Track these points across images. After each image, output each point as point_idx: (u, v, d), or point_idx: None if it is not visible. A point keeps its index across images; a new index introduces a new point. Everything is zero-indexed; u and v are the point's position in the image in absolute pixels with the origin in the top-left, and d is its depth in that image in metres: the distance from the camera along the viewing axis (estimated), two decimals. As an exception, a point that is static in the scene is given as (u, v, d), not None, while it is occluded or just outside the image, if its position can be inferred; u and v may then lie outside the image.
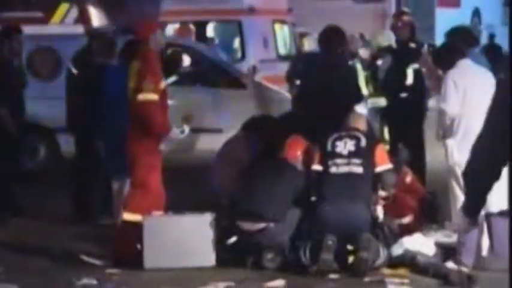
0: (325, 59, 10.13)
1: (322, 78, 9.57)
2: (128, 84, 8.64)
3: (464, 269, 7.43)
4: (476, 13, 27.47)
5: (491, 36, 22.85)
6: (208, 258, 8.40)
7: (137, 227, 8.50)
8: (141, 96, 8.47)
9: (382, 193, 8.63)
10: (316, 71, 10.16)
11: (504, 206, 7.99)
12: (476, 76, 8.32)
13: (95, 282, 8.00)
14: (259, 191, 8.42)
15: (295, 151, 8.70)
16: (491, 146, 4.64)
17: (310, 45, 13.38)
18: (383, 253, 8.28)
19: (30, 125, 11.49)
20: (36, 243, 9.31)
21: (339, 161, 8.42)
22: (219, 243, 8.50)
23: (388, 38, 11.80)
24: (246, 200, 8.45)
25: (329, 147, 8.47)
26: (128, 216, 8.60)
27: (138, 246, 8.47)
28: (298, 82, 12.04)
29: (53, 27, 14.85)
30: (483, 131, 4.63)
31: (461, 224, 5.24)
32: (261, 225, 8.34)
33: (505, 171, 7.78)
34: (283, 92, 12.96)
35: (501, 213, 8.09)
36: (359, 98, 9.83)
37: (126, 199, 8.81)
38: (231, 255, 8.50)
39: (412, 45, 11.28)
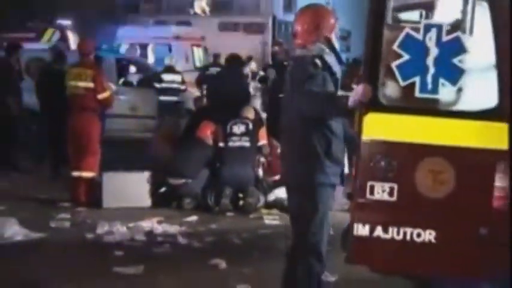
0: (228, 72, 10.22)
1: (226, 84, 9.67)
2: (78, 83, 8.44)
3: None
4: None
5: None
6: (146, 201, 8.37)
7: (92, 180, 8.44)
8: (106, 94, 8.50)
9: (262, 159, 8.75)
10: (221, 79, 10.26)
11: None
12: None
13: (68, 216, 7.91)
14: (182, 158, 8.41)
15: (206, 131, 8.73)
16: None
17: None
18: (262, 199, 8.40)
19: (25, 109, 11.25)
20: (27, 191, 9.09)
21: (234, 138, 8.50)
22: (154, 191, 8.48)
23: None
24: (173, 164, 8.43)
25: (228, 129, 8.54)
26: (86, 174, 8.48)
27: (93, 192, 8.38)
28: (204, 86, 12.16)
29: (43, 44, 14.59)
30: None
31: None
32: (183, 180, 8.36)
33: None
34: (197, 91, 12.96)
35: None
36: (248, 97, 9.92)
37: (84, 162, 8.49)
38: (162, 200, 8.47)
39: (286, 63, 11.29)
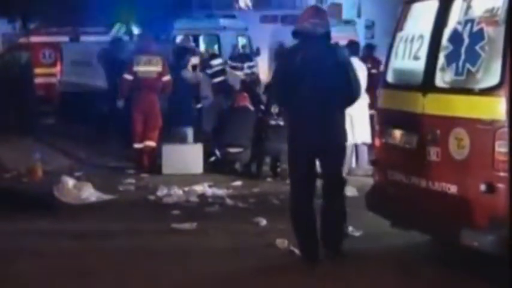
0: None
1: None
2: (150, 68, 8.56)
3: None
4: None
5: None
6: (199, 168, 8.40)
7: (154, 150, 8.54)
8: (168, 77, 8.67)
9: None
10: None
11: (364, 138, 8.12)
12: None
13: (134, 181, 8.01)
14: (236, 129, 8.34)
15: (245, 100, 8.75)
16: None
17: None
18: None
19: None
20: (99, 160, 9.24)
21: (274, 117, 8.41)
22: (205, 160, 8.50)
23: None
24: (230, 135, 8.36)
25: (270, 109, 8.45)
26: (151, 143, 8.56)
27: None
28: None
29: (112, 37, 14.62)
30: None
31: None
32: (240, 149, 8.34)
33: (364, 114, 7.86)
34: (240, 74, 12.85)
35: (363, 144, 8.24)
36: None
37: (149, 135, 8.54)
38: (212, 167, 8.50)
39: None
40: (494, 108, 4.11)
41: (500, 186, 4.04)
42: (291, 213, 4.91)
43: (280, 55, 10.61)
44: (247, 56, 13.69)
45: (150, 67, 8.57)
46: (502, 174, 4.04)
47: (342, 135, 4.88)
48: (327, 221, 4.81)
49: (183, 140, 8.94)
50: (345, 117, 4.96)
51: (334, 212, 4.81)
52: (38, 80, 12.75)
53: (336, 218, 4.83)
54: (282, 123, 8.39)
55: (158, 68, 8.55)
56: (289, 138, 4.97)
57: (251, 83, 10.88)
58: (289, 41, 5.53)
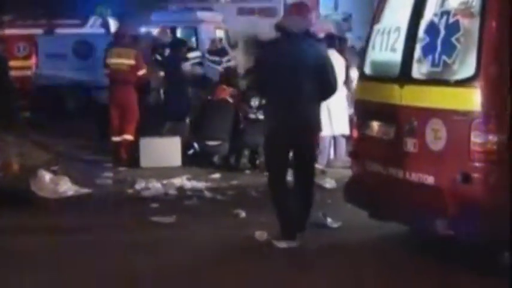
0: None
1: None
2: (122, 61, 8.47)
3: (319, 166, 7.56)
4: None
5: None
6: (177, 161, 8.37)
7: (131, 143, 8.46)
8: (144, 71, 8.57)
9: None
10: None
11: (342, 130, 8.18)
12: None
13: (111, 174, 7.96)
14: (215, 122, 8.30)
15: (225, 93, 8.72)
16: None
17: None
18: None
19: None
20: (75, 154, 9.18)
21: (253, 110, 8.44)
22: (183, 153, 8.48)
23: None
24: (208, 128, 8.33)
25: (250, 102, 8.47)
26: (128, 137, 8.49)
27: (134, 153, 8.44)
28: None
29: (87, 29, 14.51)
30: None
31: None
32: (219, 142, 8.31)
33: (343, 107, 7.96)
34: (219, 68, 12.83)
35: (342, 136, 8.28)
36: None
37: (125, 128, 8.49)
38: (189, 160, 8.47)
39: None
40: (470, 99, 4.16)
41: (476, 176, 4.10)
42: (271, 199, 5.11)
43: (258, 47, 10.60)
44: (225, 50, 13.68)
45: (120, 59, 8.47)
46: (477, 164, 4.10)
47: (316, 125, 5.05)
48: (298, 207, 5.05)
49: (181, 133, 8.90)
50: (320, 109, 5.07)
51: (304, 199, 5.03)
52: (13, 73, 12.57)
53: (306, 204, 5.06)
54: (261, 116, 8.41)
55: (130, 61, 8.45)
56: (266, 126, 5.13)
57: (231, 75, 10.86)
58: (264, 33, 5.64)
